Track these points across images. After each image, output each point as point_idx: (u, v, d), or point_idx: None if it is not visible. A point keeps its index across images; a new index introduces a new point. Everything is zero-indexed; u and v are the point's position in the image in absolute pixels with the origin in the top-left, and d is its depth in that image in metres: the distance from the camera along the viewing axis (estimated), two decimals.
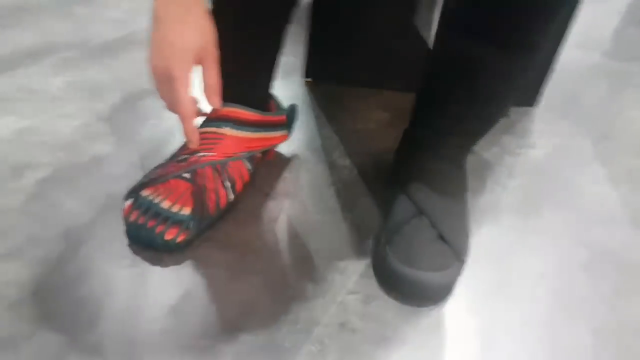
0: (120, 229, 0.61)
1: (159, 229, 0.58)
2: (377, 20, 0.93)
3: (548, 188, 0.80)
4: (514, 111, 0.99)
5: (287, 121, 0.75)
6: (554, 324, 0.58)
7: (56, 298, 0.54)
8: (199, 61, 0.54)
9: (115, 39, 1.06)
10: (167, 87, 0.53)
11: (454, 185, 0.65)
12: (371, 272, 0.62)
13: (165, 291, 0.56)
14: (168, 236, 0.58)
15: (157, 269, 0.58)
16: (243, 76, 0.66)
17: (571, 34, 0.91)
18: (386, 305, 0.58)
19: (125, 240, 0.61)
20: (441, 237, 0.60)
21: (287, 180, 0.74)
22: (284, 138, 0.75)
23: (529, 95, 1.01)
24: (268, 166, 0.76)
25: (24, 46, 0.99)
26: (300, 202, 0.71)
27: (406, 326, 0.56)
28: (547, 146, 0.90)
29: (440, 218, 0.61)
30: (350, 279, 0.60)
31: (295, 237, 0.65)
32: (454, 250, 0.59)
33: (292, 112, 0.78)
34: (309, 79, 1.01)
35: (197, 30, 0.52)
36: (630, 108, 1.06)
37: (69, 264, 0.57)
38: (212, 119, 0.66)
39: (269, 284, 0.58)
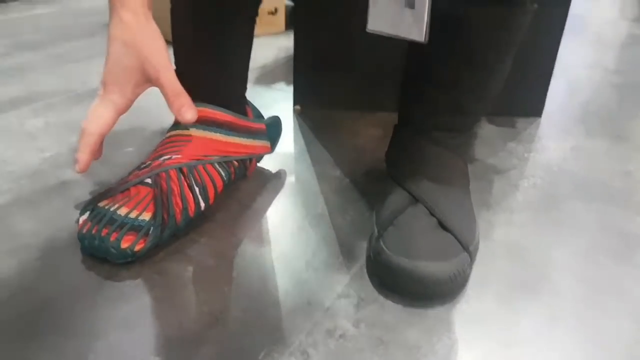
0: (75, 247, 0.54)
1: (113, 237, 0.50)
2: (361, 42, 0.90)
3: (565, 184, 0.72)
4: (520, 121, 0.93)
5: (268, 132, 0.69)
6: (587, 315, 0.48)
7: None
8: (149, 79, 0.49)
9: None
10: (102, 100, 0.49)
11: (453, 173, 0.57)
12: (365, 274, 0.52)
13: (118, 306, 0.47)
14: (124, 244, 0.50)
15: (109, 283, 0.50)
16: (210, 72, 0.60)
17: (578, 57, 0.87)
18: (384, 308, 0.48)
19: (79, 258, 0.53)
20: (441, 225, 0.51)
21: (271, 191, 0.67)
22: (265, 149, 0.69)
23: (534, 105, 0.95)
24: (249, 180, 0.69)
25: (8, 96, 0.97)
26: (283, 211, 0.63)
27: (409, 329, 0.46)
28: (560, 149, 0.83)
29: (439, 205, 0.52)
30: (341, 282, 0.51)
31: (276, 244, 0.57)
32: (458, 239, 0.50)
33: (274, 124, 0.72)
34: (298, 106, 0.96)
35: (137, 53, 0.48)
36: None
37: (13, 279, 0.50)
38: (178, 122, 0.60)
39: (244, 292, 0.50)
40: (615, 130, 0.90)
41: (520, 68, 0.88)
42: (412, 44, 0.58)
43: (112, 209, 0.53)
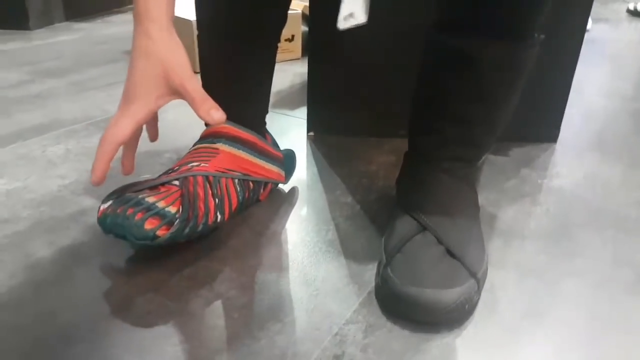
0: (92, 274, 0.55)
1: (138, 216, 0.51)
2: (374, 70, 0.91)
3: (578, 212, 0.71)
4: (533, 148, 0.93)
5: (283, 162, 0.71)
6: (595, 348, 0.48)
7: (11, 339, 0.47)
8: (173, 90, 0.51)
9: None
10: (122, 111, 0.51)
11: (462, 201, 0.57)
12: (374, 300, 0.53)
13: (132, 332, 0.48)
14: (148, 225, 0.51)
15: (124, 309, 0.51)
16: (235, 96, 0.64)
17: (595, 83, 0.88)
18: (391, 334, 0.49)
19: (96, 285, 0.54)
20: (450, 253, 0.51)
21: (282, 217, 0.68)
22: (279, 177, 0.70)
23: (549, 132, 0.95)
24: (262, 206, 0.70)
25: (30, 123, 1.00)
26: (295, 237, 0.64)
27: (417, 355, 0.46)
28: (574, 176, 0.82)
29: (447, 232, 0.53)
30: (350, 308, 0.52)
31: (287, 271, 0.57)
32: (465, 266, 0.50)
33: (289, 156, 0.74)
34: (312, 133, 0.98)
35: (162, 64, 0.50)
36: None
37: (31, 305, 0.51)
38: (205, 136, 0.63)
39: (253, 318, 0.50)
40: (631, 158, 0.90)
41: (535, 94, 0.89)
42: (421, 75, 0.60)
43: (140, 196, 0.54)
